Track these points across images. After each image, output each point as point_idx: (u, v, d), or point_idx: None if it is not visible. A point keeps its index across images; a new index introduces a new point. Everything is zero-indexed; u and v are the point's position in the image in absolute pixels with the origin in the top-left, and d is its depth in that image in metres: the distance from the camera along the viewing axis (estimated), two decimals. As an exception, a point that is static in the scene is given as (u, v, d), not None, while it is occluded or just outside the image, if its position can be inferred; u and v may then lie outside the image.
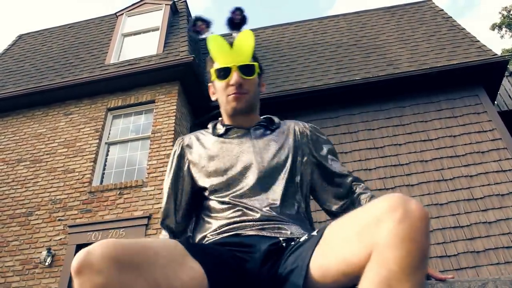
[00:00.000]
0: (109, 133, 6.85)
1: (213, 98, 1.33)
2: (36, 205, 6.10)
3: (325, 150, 1.29)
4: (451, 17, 8.17)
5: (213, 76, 1.26)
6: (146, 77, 6.91)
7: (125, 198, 5.82)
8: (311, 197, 1.29)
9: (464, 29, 7.73)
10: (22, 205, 6.16)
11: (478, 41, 7.27)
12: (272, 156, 1.19)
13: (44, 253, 5.45)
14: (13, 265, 5.59)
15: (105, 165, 6.52)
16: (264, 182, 1.14)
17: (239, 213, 1.10)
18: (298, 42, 8.64)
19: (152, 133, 6.43)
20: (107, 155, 6.63)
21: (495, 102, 7.33)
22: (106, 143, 6.72)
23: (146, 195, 5.78)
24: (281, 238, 1.03)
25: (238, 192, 1.13)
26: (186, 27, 8.06)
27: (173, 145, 6.16)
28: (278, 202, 1.11)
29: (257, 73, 1.27)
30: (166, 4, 8.47)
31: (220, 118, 1.33)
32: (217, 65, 1.24)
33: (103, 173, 6.42)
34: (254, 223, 1.07)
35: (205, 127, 1.35)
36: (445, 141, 6.25)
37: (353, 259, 0.76)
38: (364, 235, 0.74)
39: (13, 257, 5.66)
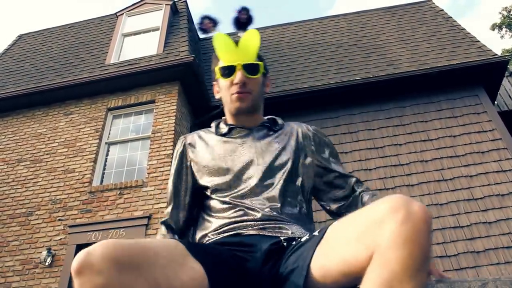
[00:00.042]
0: (109, 133, 6.85)
1: (217, 96, 1.33)
2: (36, 205, 6.10)
3: (327, 153, 1.29)
4: (451, 17, 8.18)
5: (218, 74, 1.26)
6: (146, 77, 6.91)
7: (125, 198, 5.82)
8: (313, 198, 1.29)
9: (464, 29, 7.74)
10: (22, 205, 6.16)
11: (478, 41, 7.28)
12: (274, 157, 1.19)
13: (44, 253, 5.45)
14: (13, 265, 5.59)
15: (105, 165, 6.52)
16: (266, 183, 1.14)
17: (240, 213, 1.10)
18: (298, 42, 8.64)
19: (152, 133, 6.43)
20: (107, 155, 6.63)
21: (495, 102, 7.34)
22: (106, 143, 6.72)
23: (146, 195, 5.78)
24: (282, 238, 1.03)
25: (239, 193, 1.13)
26: (186, 27, 8.06)
27: (173, 145, 6.18)
28: (279, 203, 1.11)
29: (262, 72, 1.27)
30: (166, 4, 8.47)
31: (223, 117, 1.33)
32: (222, 63, 1.24)
33: (103, 173, 6.42)
34: (255, 222, 1.07)
35: (205, 127, 1.35)
36: (445, 141, 6.25)
37: (354, 260, 0.75)
38: (366, 236, 0.74)
39: (13, 257, 5.67)
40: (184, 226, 1.25)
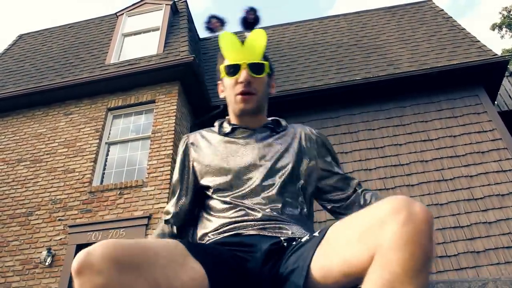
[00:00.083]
0: (109, 133, 6.85)
1: (221, 96, 1.33)
2: (36, 205, 6.10)
3: (330, 156, 1.30)
4: (451, 17, 8.18)
5: (222, 73, 1.25)
6: (146, 77, 6.91)
7: (125, 198, 5.82)
8: (315, 199, 1.30)
9: (464, 29, 7.74)
10: (22, 205, 6.16)
11: (479, 41, 7.28)
12: (276, 159, 1.19)
13: (44, 253, 5.45)
14: (13, 265, 5.59)
15: (105, 165, 6.52)
16: (267, 184, 1.14)
17: (241, 213, 1.10)
18: (299, 42, 8.64)
19: (152, 133, 6.43)
20: (107, 155, 6.64)
21: (495, 102, 7.34)
22: (106, 143, 6.72)
23: (146, 195, 5.78)
24: (282, 238, 1.03)
25: (240, 193, 1.13)
26: (186, 27, 8.06)
27: (173, 145, 6.18)
28: (279, 204, 1.11)
29: (267, 72, 1.27)
30: (166, 4, 8.47)
31: (227, 117, 1.33)
32: (227, 62, 1.23)
33: (103, 173, 6.42)
34: (255, 222, 1.07)
35: (205, 127, 1.36)
36: (445, 141, 6.25)
37: (355, 261, 0.75)
38: (367, 237, 0.74)
39: (13, 257, 5.67)
40: (184, 225, 1.26)
